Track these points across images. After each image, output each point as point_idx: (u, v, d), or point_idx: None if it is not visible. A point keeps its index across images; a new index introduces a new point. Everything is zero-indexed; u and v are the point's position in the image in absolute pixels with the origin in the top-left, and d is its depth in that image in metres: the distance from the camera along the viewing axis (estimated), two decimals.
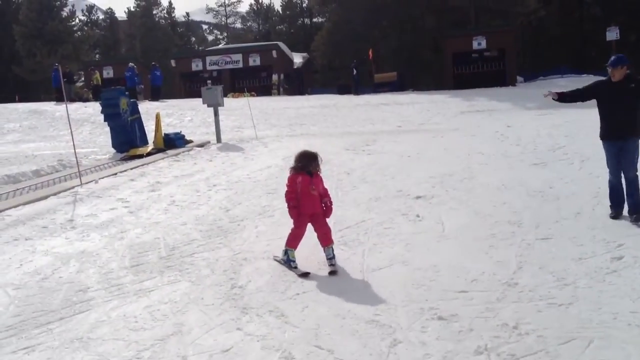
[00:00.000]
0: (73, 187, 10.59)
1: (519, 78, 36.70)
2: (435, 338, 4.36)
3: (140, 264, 6.55)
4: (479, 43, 36.63)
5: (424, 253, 6.31)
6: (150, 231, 7.81)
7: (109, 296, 5.66)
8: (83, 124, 21.55)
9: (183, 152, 14.78)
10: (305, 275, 5.91)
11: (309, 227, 6.25)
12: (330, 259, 6.08)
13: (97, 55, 69.23)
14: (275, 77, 41.25)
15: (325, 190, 6.33)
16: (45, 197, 9.86)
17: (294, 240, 6.19)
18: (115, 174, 12.02)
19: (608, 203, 7.24)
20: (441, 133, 15.68)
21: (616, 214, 7.06)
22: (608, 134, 7.05)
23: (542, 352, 4.01)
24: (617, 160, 6.99)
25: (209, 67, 42.73)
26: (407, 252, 6.32)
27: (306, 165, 6.17)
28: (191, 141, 16.50)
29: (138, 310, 5.31)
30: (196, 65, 43.07)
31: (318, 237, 6.16)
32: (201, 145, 15.87)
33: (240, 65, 42.82)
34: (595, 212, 7.30)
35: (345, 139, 15.62)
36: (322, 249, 6.16)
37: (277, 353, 4.29)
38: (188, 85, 42.14)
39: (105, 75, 39.50)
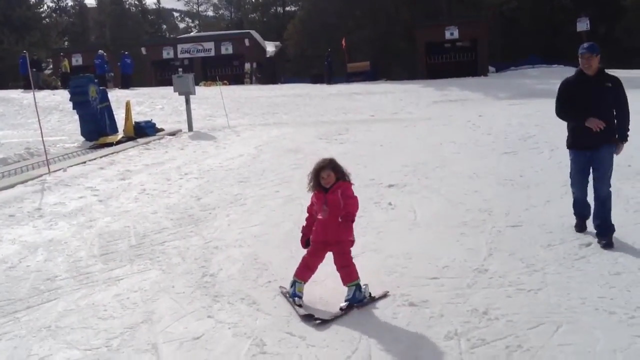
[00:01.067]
0: (41, 176, 10.40)
1: (491, 68, 36.97)
2: (406, 324, 4.38)
3: (110, 253, 6.47)
4: (452, 33, 36.78)
5: (396, 241, 6.33)
6: (120, 220, 7.72)
7: (77, 285, 5.58)
8: (51, 112, 21.17)
9: (154, 140, 14.62)
10: (308, 318, 4.55)
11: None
12: (347, 300, 4.71)
13: (65, 43, 67.95)
14: (247, 65, 41.00)
15: (347, 201, 4.80)
16: (12, 186, 9.67)
17: (303, 270, 4.93)
18: (85, 162, 11.84)
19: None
20: (414, 122, 15.73)
21: (581, 228, 6.21)
22: (578, 141, 5.97)
23: (512, 337, 4.05)
24: (585, 175, 6.03)
25: (180, 55, 42.29)
26: (380, 240, 6.34)
27: (315, 175, 4.93)
28: (162, 129, 16.32)
29: (107, 298, 5.24)
30: (167, 53, 42.58)
31: (337, 268, 4.85)
32: (172, 134, 15.71)
33: (212, 53, 42.44)
34: (564, 200, 7.38)
35: (318, 128, 15.59)
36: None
37: (249, 340, 4.27)
38: (159, 74, 41.65)
39: (74, 62, 38.85)
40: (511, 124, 13.79)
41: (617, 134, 5.89)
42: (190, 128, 16.32)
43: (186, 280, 5.58)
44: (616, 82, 5.89)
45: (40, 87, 28.79)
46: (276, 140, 13.72)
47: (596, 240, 5.81)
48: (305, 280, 4.90)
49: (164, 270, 5.86)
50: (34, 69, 25.72)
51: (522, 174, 8.88)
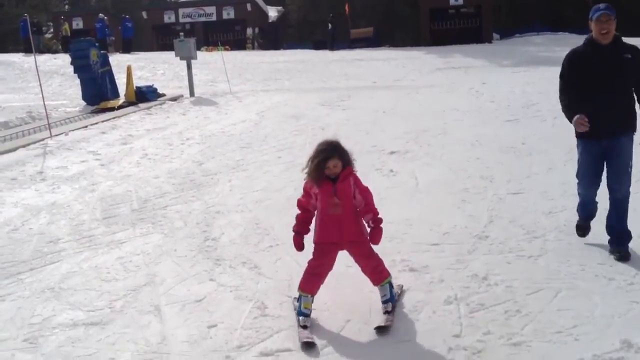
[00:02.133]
0: (43, 140, 10.41)
1: (495, 35, 36.56)
2: (407, 289, 4.41)
3: (112, 216, 6.51)
4: None
5: (398, 207, 6.34)
6: (122, 184, 7.74)
7: (80, 247, 5.63)
8: (52, 76, 21.05)
9: (155, 105, 14.57)
10: (308, 345, 3.72)
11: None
12: (386, 301, 4.03)
13: (66, 6, 67.23)
14: (249, 31, 40.63)
15: (367, 196, 4.10)
16: (14, 149, 9.69)
17: (311, 280, 4.03)
18: (86, 126, 11.84)
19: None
20: (416, 89, 15.64)
21: (585, 231, 5.17)
22: (592, 129, 4.61)
23: (511, 302, 4.09)
24: (598, 171, 4.84)
25: (181, 20, 41.89)
26: (381, 206, 6.22)
27: (310, 168, 3.99)
28: (164, 95, 16.25)
29: (110, 261, 5.29)
30: (168, 18, 42.18)
31: (363, 271, 4.13)
32: (174, 99, 15.64)
33: (214, 18, 42.02)
34: (566, 168, 7.36)
35: (320, 94, 15.51)
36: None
37: (250, 303, 4.32)
38: (160, 38, 41.29)
39: (74, 26, 38.49)
40: (514, 91, 13.70)
41: None
42: (191, 93, 16.25)
43: (188, 244, 5.62)
44: (637, 52, 4.70)
45: (41, 51, 28.58)
46: (278, 106, 13.66)
47: (609, 249, 4.83)
48: (314, 293, 4.02)
49: (166, 234, 5.90)
50: (35, 32, 25.49)
51: (524, 142, 8.86)
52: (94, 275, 4.99)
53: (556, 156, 7.92)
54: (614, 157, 4.75)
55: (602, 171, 4.84)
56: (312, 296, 4.00)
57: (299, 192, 7.05)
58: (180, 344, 3.81)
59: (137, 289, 4.70)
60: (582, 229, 5.17)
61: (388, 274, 4.09)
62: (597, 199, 5.05)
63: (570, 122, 4.73)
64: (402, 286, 4.36)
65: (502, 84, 15.29)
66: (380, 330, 3.81)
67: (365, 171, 7.65)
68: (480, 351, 3.54)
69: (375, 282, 4.07)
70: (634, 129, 4.83)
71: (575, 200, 5.24)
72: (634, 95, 4.77)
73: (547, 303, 4.05)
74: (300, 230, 4.16)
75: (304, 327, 3.89)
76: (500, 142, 8.95)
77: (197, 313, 4.24)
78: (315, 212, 4.09)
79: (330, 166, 3.91)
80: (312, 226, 4.14)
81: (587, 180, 4.92)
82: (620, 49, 4.71)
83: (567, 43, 25.30)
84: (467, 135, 9.51)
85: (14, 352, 3.79)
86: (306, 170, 4.02)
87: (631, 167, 4.77)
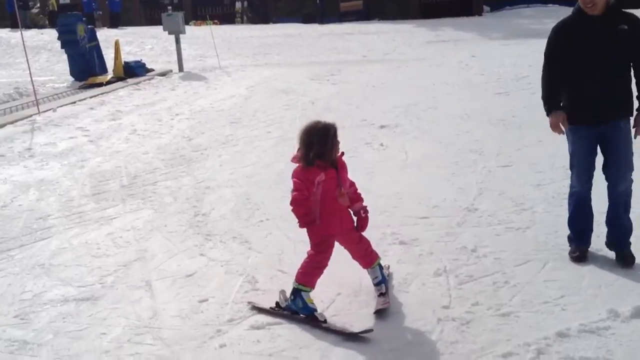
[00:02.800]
0: (31, 116, 10.33)
1: (485, 7, 36.34)
2: (397, 261, 4.45)
3: (102, 192, 6.49)
4: None
5: (387, 181, 6.36)
6: (111, 160, 7.71)
7: (70, 224, 5.62)
8: (40, 52, 20.80)
9: (144, 80, 14.46)
10: (366, 332, 3.54)
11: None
12: (379, 283, 3.94)
13: None
14: (238, 4, 40.24)
15: (353, 183, 3.94)
16: (2, 126, 9.62)
17: (314, 273, 3.82)
18: (74, 102, 11.75)
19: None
20: (406, 63, 15.58)
21: (581, 254, 4.28)
22: (583, 113, 4.14)
23: (499, 274, 4.13)
24: (591, 160, 4.24)
25: None
26: (371, 180, 6.36)
27: (323, 149, 3.66)
28: (152, 70, 16.12)
29: (100, 237, 5.29)
30: None
31: (353, 256, 4.01)
32: (163, 74, 15.52)
33: None
34: (556, 141, 7.34)
35: (310, 68, 15.42)
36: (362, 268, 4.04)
37: (241, 277, 4.34)
38: (148, 12, 40.78)
39: (61, 0, 37.92)
40: (504, 64, 13.67)
41: None
42: (180, 68, 16.13)
43: (178, 219, 5.62)
44: (636, 22, 4.05)
45: (28, 26, 28.18)
46: (268, 81, 13.59)
47: (613, 254, 4.28)
48: (313, 286, 3.79)
49: (156, 210, 5.89)
50: (21, 7, 25.12)
51: (514, 114, 8.88)
52: (84, 251, 5.00)
53: (546, 129, 7.85)
54: (611, 146, 4.14)
55: (594, 161, 4.25)
56: (312, 289, 3.79)
57: (290, 167, 7.02)
58: (172, 319, 3.83)
59: (127, 264, 4.71)
60: (578, 258, 4.26)
61: (377, 256, 4.00)
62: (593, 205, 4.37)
63: (547, 115, 4.27)
64: (389, 266, 4.31)
65: (492, 57, 15.25)
66: (379, 313, 3.74)
67: (355, 145, 7.68)
68: (469, 322, 3.58)
69: (366, 265, 3.98)
70: (631, 113, 4.16)
71: (564, 173, 5.22)
72: (632, 74, 4.13)
73: (534, 274, 4.09)
74: (312, 219, 3.73)
75: (324, 321, 3.66)
76: (489, 115, 8.96)
77: (188, 288, 4.25)
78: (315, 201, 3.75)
79: (338, 146, 3.72)
80: None
81: (579, 170, 4.27)
82: (614, 19, 4.03)
83: (557, 15, 25.17)
84: (456, 109, 9.50)
85: (4, 328, 3.80)
86: (304, 155, 3.68)
87: (632, 154, 4.17)
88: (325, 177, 3.67)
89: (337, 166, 3.74)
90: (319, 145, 3.64)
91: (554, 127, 4.28)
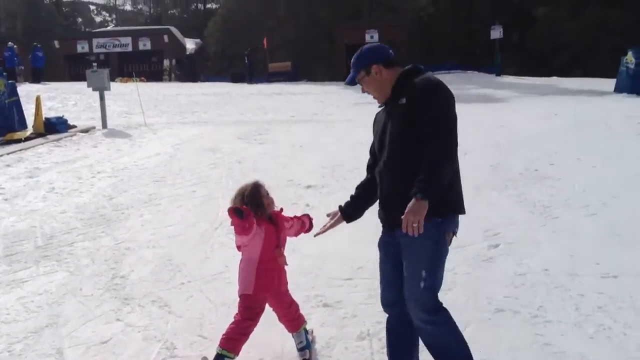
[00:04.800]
0: None
1: None
2: (320, 324, 4.40)
3: (14, 254, 6.20)
4: (372, 36, 37.39)
5: (313, 241, 6.28)
6: (26, 219, 7.39)
7: None
8: None
9: (65, 137, 14.08)
10: None
11: None
12: (303, 348, 3.88)
13: None
14: (166, 62, 40.28)
15: (294, 220, 4.03)
16: None
17: (240, 339, 3.66)
18: None
19: (488, 195, 7.55)
20: (333, 124, 15.85)
21: None
22: (379, 215, 3.49)
23: None
24: (393, 274, 3.43)
25: (95, 50, 41.08)
26: (297, 240, 6.23)
27: (256, 201, 3.67)
28: (75, 126, 15.73)
29: (10, 301, 5.03)
30: (82, 48, 41.24)
31: (280, 318, 3.91)
32: (85, 131, 15.17)
33: (130, 49, 41.46)
34: (474, 202, 7.59)
35: (237, 127, 15.45)
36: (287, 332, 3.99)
37: (159, 344, 4.18)
38: (73, 68, 40.26)
39: None
40: None
41: (416, 185, 3.03)
42: (104, 125, 15.83)
43: (95, 282, 5.40)
44: (418, 92, 3.18)
45: None
46: (194, 139, 13.50)
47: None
48: (238, 353, 3.65)
49: (72, 272, 5.66)
50: None
51: None
52: None
53: (465, 191, 8.12)
54: (404, 263, 3.29)
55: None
56: (237, 355, 3.65)
57: (214, 227, 6.96)
58: None
59: (38, 330, 4.47)
60: None
61: (304, 320, 3.96)
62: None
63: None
64: (313, 330, 4.21)
65: None
66: None
67: (282, 205, 7.64)
68: None
69: (292, 329, 3.92)
70: (434, 214, 3.09)
71: (483, 235, 5.36)
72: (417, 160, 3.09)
73: None
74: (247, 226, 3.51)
75: None
76: None
77: (102, 355, 4.06)
78: (245, 257, 3.72)
79: (265, 194, 3.71)
80: (235, 279, 3.82)
81: (383, 286, 3.56)
82: (396, 95, 3.31)
83: (474, 81, 26.46)
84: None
85: None
86: (238, 203, 3.60)
87: (428, 281, 3.21)
88: (263, 233, 3.61)
89: (277, 224, 3.72)
90: (248, 199, 3.63)
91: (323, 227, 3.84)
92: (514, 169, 9.12)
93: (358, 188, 3.67)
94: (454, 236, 3.38)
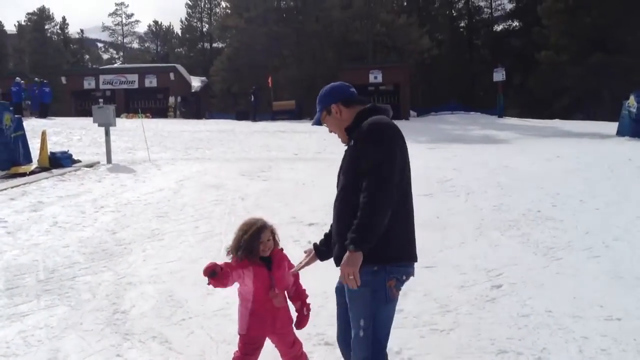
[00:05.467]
0: None
1: (412, 112, 38.12)
2: None
3: (16, 287, 6.17)
4: (375, 77, 37.80)
5: (315, 279, 6.28)
6: (29, 253, 7.38)
7: None
8: None
9: (69, 171, 14.14)
10: None
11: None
12: None
13: None
14: (172, 99, 40.64)
15: (297, 279, 3.90)
16: None
17: None
18: None
19: (491, 235, 7.55)
20: (336, 162, 15.78)
21: None
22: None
23: None
24: (343, 319, 3.45)
25: (102, 86, 41.51)
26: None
27: (253, 238, 3.65)
28: (79, 161, 15.82)
29: (10, 335, 4.99)
30: (88, 84, 41.69)
31: (282, 356, 3.92)
32: (90, 166, 15.25)
33: (136, 85, 41.89)
34: (477, 242, 7.61)
35: (241, 164, 15.53)
36: None
37: None
38: (79, 104, 40.66)
39: None
40: (429, 166, 14.17)
41: (349, 235, 3.02)
42: (109, 160, 15.91)
43: (96, 317, 5.37)
44: (362, 135, 3.21)
45: None
46: (198, 176, 13.55)
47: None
48: None
49: (73, 307, 5.63)
50: None
51: (438, 216, 9.11)
52: None
53: (468, 231, 8.18)
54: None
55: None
56: None
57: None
58: None
59: None
60: None
61: (307, 359, 3.97)
62: None
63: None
64: None
65: (419, 159, 15.76)
66: None
67: (283, 243, 7.60)
68: None
69: None
70: (369, 262, 3.03)
71: (486, 275, 5.36)
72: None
73: None
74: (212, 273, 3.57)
75: None
76: (415, 215, 9.13)
77: None
78: (240, 297, 3.74)
79: (265, 240, 3.66)
80: (236, 315, 3.82)
81: (337, 332, 3.54)
82: (350, 137, 3.38)
83: (477, 122, 26.64)
84: None
85: None
86: (235, 251, 3.65)
87: (368, 330, 3.12)
88: (253, 275, 3.58)
89: (272, 264, 3.67)
90: (239, 241, 3.63)
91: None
92: (516, 210, 9.14)
93: (332, 226, 3.52)
94: (405, 281, 3.29)
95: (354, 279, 2.97)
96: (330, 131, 3.53)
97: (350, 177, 3.21)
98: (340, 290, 3.40)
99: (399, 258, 3.22)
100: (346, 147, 3.41)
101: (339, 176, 3.42)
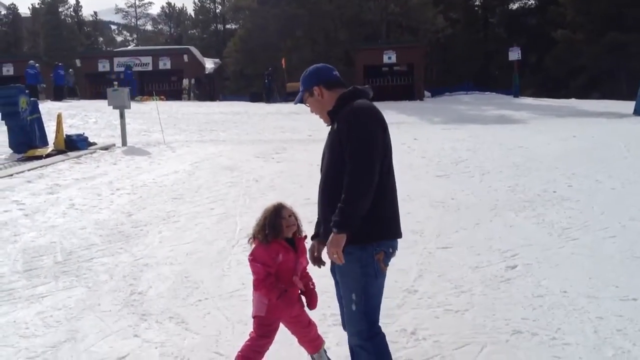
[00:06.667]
0: None
1: (427, 93, 37.81)
2: (336, 344, 4.39)
3: (34, 269, 6.25)
4: (389, 57, 37.49)
5: (329, 261, 6.34)
6: (46, 235, 7.47)
7: None
8: None
9: (85, 154, 14.25)
10: None
11: None
12: None
13: None
14: (185, 81, 40.62)
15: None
16: None
17: (254, 356, 3.75)
18: (12, 175, 11.42)
19: (506, 215, 7.53)
20: None
21: None
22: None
23: (438, 357, 4.12)
24: (340, 297, 3.58)
25: (116, 69, 41.50)
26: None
27: (273, 223, 3.67)
28: (95, 143, 15.93)
29: (29, 316, 5.07)
30: (103, 66, 41.71)
31: (299, 340, 3.95)
32: (105, 148, 15.35)
33: (150, 68, 41.85)
34: (492, 223, 7.59)
35: (255, 146, 15.56)
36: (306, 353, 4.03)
37: None
38: (94, 87, 40.76)
39: (4, 72, 37.68)
40: (444, 147, 14.10)
41: (333, 218, 3.15)
42: (124, 143, 16.01)
43: (113, 298, 5.44)
44: (345, 118, 3.27)
45: None
46: (212, 158, 13.59)
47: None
48: None
49: (90, 288, 5.70)
50: None
51: (453, 197, 9.09)
52: (12, 330, 4.76)
53: (482, 211, 8.15)
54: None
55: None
56: None
57: (231, 245, 7.01)
58: None
59: (56, 345, 4.50)
60: None
61: (323, 341, 4.00)
62: None
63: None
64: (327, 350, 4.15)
65: (433, 140, 15.73)
66: None
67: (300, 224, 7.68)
68: None
69: (313, 350, 3.94)
70: (357, 240, 3.19)
71: (500, 255, 5.34)
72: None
73: (473, 358, 4.10)
74: (281, 292, 3.62)
75: None
76: (430, 197, 9.15)
77: None
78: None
79: (286, 216, 3.67)
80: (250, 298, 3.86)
81: (341, 313, 3.61)
82: (332, 120, 3.44)
83: (492, 102, 26.43)
84: (398, 190, 9.61)
85: None
86: (259, 234, 3.65)
87: (360, 305, 3.28)
88: (282, 258, 3.63)
89: (298, 250, 3.71)
90: (269, 221, 3.64)
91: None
92: (532, 190, 9.09)
93: (318, 208, 3.60)
94: (392, 255, 3.42)
95: (337, 257, 3.12)
96: (312, 111, 3.60)
97: (334, 160, 3.30)
98: (334, 271, 3.51)
99: (384, 235, 3.34)
100: (329, 130, 3.47)
101: (322, 159, 3.49)
